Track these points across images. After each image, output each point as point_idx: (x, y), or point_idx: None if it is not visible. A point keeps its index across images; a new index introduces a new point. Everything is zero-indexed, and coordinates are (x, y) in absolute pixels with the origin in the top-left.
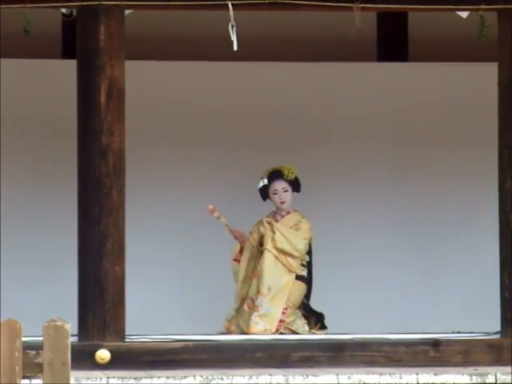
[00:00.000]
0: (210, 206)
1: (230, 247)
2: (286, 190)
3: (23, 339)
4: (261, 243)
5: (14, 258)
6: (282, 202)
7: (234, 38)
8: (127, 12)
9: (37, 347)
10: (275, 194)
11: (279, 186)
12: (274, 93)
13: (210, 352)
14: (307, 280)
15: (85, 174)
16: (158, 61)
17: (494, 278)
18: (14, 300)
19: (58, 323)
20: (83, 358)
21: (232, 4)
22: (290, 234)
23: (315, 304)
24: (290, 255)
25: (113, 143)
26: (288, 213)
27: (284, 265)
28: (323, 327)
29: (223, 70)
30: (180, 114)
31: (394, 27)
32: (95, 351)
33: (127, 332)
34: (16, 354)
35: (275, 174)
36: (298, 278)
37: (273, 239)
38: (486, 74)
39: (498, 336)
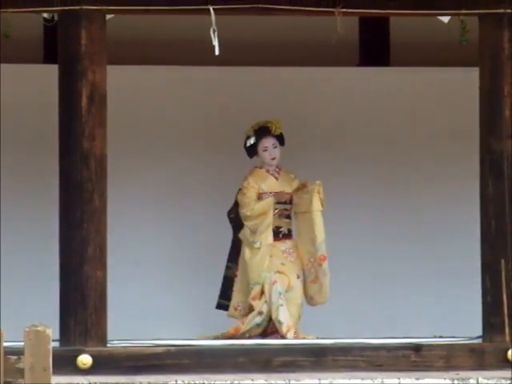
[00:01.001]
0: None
1: (213, 250)
2: (276, 146)
3: (4, 344)
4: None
5: None
6: (273, 158)
7: (215, 42)
8: (108, 17)
9: (18, 352)
10: (265, 150)
11: (268, 142)
12: (256, 97)
13: (192, 357)
14: None
15: (66, 179)
16: (140, 65)
17: (476, 283)
18: None
19: (39, 328)
20: (65, 363)
21: (213, 9)
22: None
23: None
24: None
25: (94, 148)
26: (280, 168)
27: None
28: None
29: (205, 74)
30: (162, 119)
31: (376, 32)
32: (77, 356)
33: (109, 337)
34: None
35: (263, 131)
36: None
37: (322, 201)
38: (468, 78)
39: (479, 340)
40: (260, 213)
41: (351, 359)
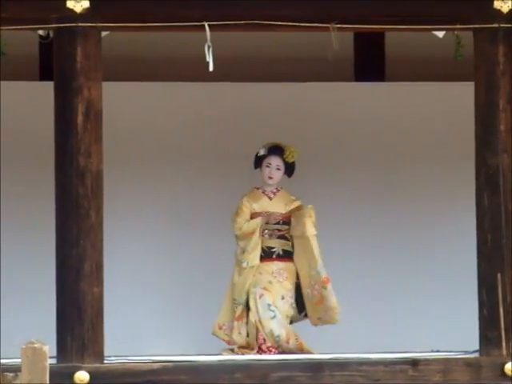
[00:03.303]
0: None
1: (209, 268)
2: (279, 169)
3: (1, 361)
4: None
5: None
6: (270, 178)
7: (210, 58)
8: (104, 33)
9: (15, 369)
10: (267, 167)
11: (274, 161)
12: (252, 112)
13: (189, 373)
14: None
15: (62, 196)
16: (135, 82)
17: (473, 297)
18: None
19: (36, 345)
20: (62, 380)
21: (208, 25)
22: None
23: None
24: None
25: (90, 165)
26: (278, 190)
27: None
28: (307, 315)
29: (199, 90)
30: (158, 135)
31: (371, 47)
32: (74, 373)
33: (106, 353)
34: None
35: (275, 149)
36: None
37: (314, 224)
38: (463, 93)
39: (476, 355)
40: (248, 232)
41: (348, 374)
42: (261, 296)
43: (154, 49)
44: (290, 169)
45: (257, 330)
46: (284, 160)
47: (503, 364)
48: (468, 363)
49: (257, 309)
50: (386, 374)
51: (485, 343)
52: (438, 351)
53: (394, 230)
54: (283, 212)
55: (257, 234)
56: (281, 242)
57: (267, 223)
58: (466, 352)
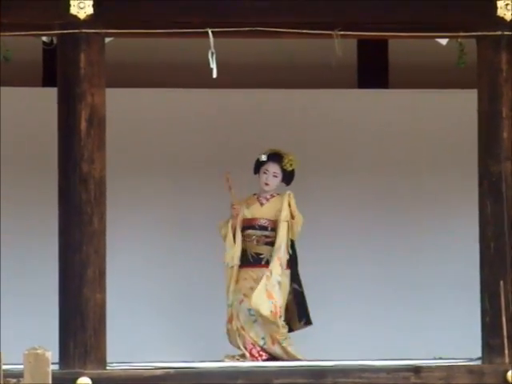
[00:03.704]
0: (228, 176)
1: (211, 274)
2: (276, 176)
3: (4, 367)
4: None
5: None
6: (266, 184)
7: (213, 65)
8: (107, 40)
9: (18, 375)
10: (264, 173)
11: (272, 168)
12: (255, 119)
13: (191, 379)
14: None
15: (66, 202)
16: (139, 88)
17: (476, 304)
18: None
19: (38, 351)
20: None
21: (212, 31)
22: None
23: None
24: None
25: (93, 171)
26: (272, 196)
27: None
28: (309, 322)
29: (202, 97)
30: (161, 142)
31: (375, 54)
32: (76, 379)
33: (108, 359)
34: None
35: (274, 157)
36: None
37: (291, 212)
38: (466, 100)
39: (479, 362)
40: (224, 233)
41: (351, 381)
42: (241, 302)
43: (158, 55)
44: (288, 177)
45: (242, 336)
46: (282, 168)
47: (505, 371)
48: (470, 370)
49: (238, 315)
50: (388, 380)
51: (487, 350)
52: (440, 358)
53: (397, 236)
54: (272, 219)
55: (229, 232)
56: (269, 249)
57: (253, 229)
58: (469, 359)
